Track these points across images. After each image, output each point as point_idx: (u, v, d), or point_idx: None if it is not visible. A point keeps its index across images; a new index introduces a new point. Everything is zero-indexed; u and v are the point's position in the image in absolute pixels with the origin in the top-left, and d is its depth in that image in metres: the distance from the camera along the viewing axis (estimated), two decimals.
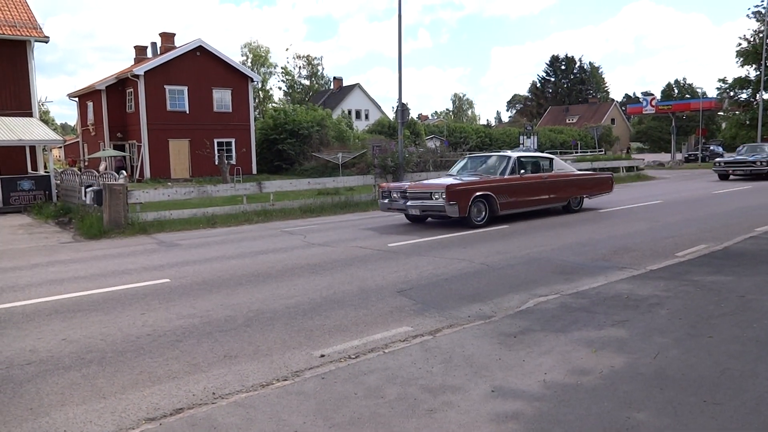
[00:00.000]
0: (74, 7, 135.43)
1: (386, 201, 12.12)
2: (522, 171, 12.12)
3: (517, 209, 12.04)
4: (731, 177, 23.08)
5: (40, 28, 21.02)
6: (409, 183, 12.79)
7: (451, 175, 12.93)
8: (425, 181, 12.74)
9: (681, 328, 4.72)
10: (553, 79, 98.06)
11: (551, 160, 13.35)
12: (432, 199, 11.04)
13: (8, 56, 20.33)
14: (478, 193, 11.19)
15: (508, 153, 13.23)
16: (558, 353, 4.25)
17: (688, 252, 8.05)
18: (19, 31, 20.39)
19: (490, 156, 13.29)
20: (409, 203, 11.46)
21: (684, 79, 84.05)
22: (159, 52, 35.39)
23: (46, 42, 21.24)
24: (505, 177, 11.93)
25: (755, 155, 22.86)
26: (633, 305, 5.42)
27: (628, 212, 13.25)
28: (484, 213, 11.36)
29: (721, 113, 53.12)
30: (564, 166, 13.63)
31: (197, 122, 32.59)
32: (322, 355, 4.52)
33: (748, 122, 40.45)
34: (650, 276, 6.59)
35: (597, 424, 3.16)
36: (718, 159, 25.12)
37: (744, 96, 41.93)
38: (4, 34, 20.01)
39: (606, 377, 3.78)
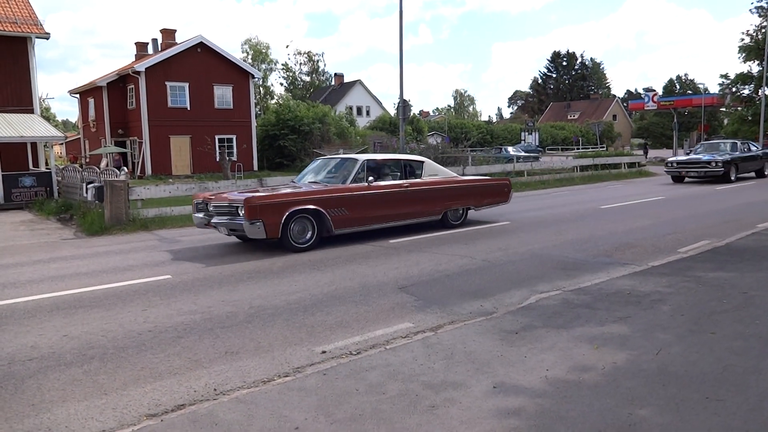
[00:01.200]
0: (75, 3, 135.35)
1: (201, 215, 9.39)
2: (372, 178, 9.63)
3: (363, 226, 9.62)
4: (686, 179, 20.33)
5: (41, 25, 21.00)
6: (220, 192, 10.34)
7: (292, 182, 10.80)
8: (232, 193, 9.59)
9: (683, 324, 4.71)
10: (554, 75, 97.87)
11: (421, 163, 10.82)
12: (238, 215, 8.60)
13: (9, 53, 20.31)
14: (298, 208, 8.72)
15: (356, 156, 10.62)
16: (560, 349, 4.25)
17: (690, 248, 8.03)
18: (19, 27, 20.36)
19: (337, 159, 10.83)
20: (214, 219, 9.00)
21: (686, 74, 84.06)
22: (160, 49, 35.36)
23: (47, 38, 21.22)
24: (346, 186, 9.44)
25: (711, 154, 20.20)
26: (635, 301, 5.40)
27: (630, 208, 13.22)
28: (310, 233, 8.94)
29: (723, 109, 52.97)
30: (439, 170, 11.19)
31: (198, 119, 32.58)
32: (324, 351, 4.52)
33: (750, 118, 40.35)
34: (652, 272, 6.58)
35: (599, 421, 3.15)
36: (670, 159, 21.71)
37: (746, 91, 41.82)
38: (4, 30, 19.99)
39: (608, 374, 3.77)
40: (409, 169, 10.57)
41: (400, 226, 10.22)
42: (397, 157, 11.23)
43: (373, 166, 10.14)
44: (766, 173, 21.70)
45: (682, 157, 21.77)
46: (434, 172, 10.88)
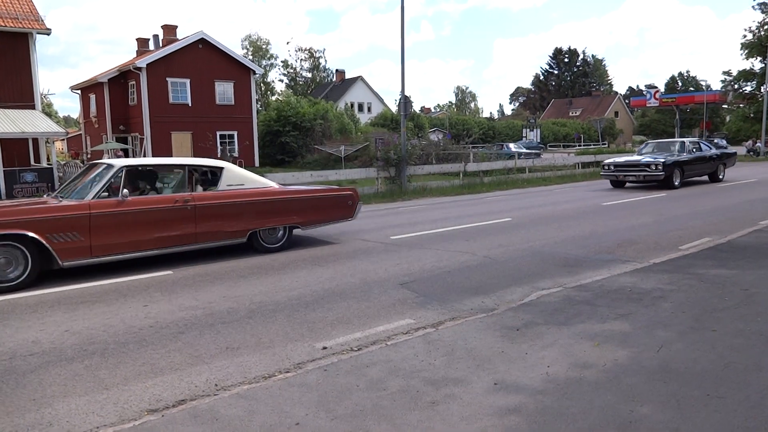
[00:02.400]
0: None
1: None
2: (127, 191, 7.35)
3: (113, 255, 7.29)
4: (627, 185, 17.87)
5: (42, 21, 20.99)
6: None
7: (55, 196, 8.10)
8: None
9: (684, 321, 4.70)
10: (556, 72, 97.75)
11: (219, 170, 8.41)
12: None
13: (10, 48, 20.31)
14: None
15: (112, 161, 7.98)
16: (561, 346, 4.24)
17: (692, 245, 8.02)
18: (20, 23, 20.35)
19: (102, 166, 7.94)
20: None
21: (688, 71, 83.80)
22: (161, 45, 35.36)
23: (48, 34, 21.22)
24: (84, 202, 7.10)
25: (654, 156, 17.48)
26: (636, 298, 5.40)
27: (632, 205, 13.20)
28: (22, 268, 6.64)
29: (726, 106, 52.90)
30: (247, 179, 8.62)
31: (199, 115, 32.58)
32: (325, 347, 4.52)
33: (752, 115, 40.29)
34: (654, 269, 6.57)
35: (600, 418, 3.15)
36: (608, 161, 18.56)
37: (749, 88, 41.74)
38: (5, 26, 19.98)
39: (609, 370, 3.77)
40: (200, 178, 8.50)
41: (194, 250, 8.07)
42: (178, 162, 8.66)
43: (136, 174, 8.19)
44: (720, 177, 18.99)
45: (620, 159, 18.60)
46: (238, 182, 8.44)
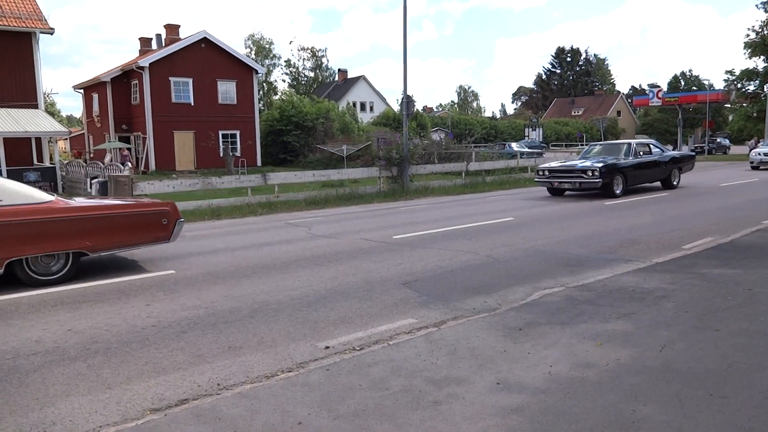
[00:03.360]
0: None
1: None
2: None
3: None
4: (567, 193, 15.86)
5: (46, 20, 21.03)
6: None
7: None
8: None
9: (687, 321, 4.69)
10: (558, 71, 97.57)
11: None
12: None
13: (14, 48, 20.36)
14: None
15: None
16: (563, 346, 4.24)
17: (694, 245, 8.00)
18: (24, 22, 20.39)
19: None
20: None
21: (690, 70, 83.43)
22: (164, 44, 35.35)
23: (51, 34, 21.27)
24: None
25: (594, 160, 15.42)
26: (639, 298, 5.39)
27: (634, 205, 13.18)
28: None
29: (729, 105, 52.76)
30: (6, 192, 6.59)
31: (202, 114, 32.60)
32: (327, 347, 4.52)
33: (755, 114, 40.19)
34: (656, 269, 6.56)
35: (602, 417, 3.14)
36: (542, 166, 16.60)
37: (752, 88, 41.61)
38: (9, 25, 20.02)
39: (611, 370, 3.77)
40: None
41: None
42: None
43: None
44: (675, 183, 16.83)
45: (555, 164, 16.38)
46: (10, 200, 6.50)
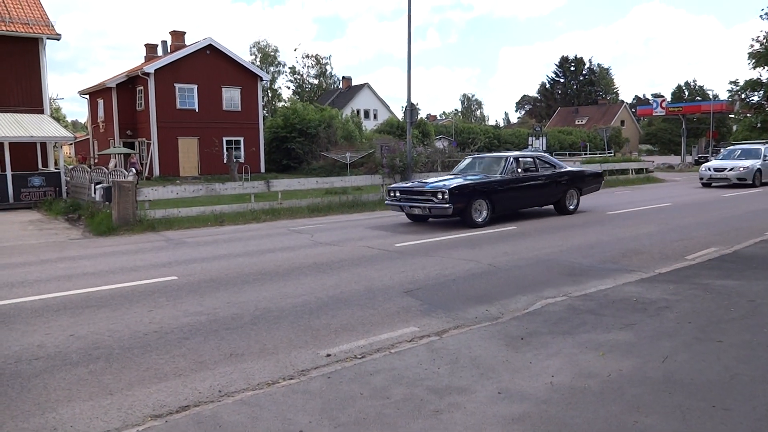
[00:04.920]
0: (86, 5, 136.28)
1: None
2: None
3: None
4: (430, 219, 12.40)
5: (53, 26, 21.16)
6: None
7: None
8: None
9: (690, 332, 4.68)
10: (562, 80, 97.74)
11: None
12: None
13: (21, 53, 20.48)
14: None
15: None
16: (565, 356, 4.23)
17: (697, 255, 7.98)
18: (31, 28, 20.53)
19: None
20: None
21: (694, 81, 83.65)
22: (169, 51, 35.54)
23: (58, 40, 21.38)
24: None
25: (453, 178, 12.23)
26: (641, 308, 5.37)
27: (638, 214, 13.16)
28: None
29: (733, 116, 52.71)
30: None
31: (206, 120, 32.70)
32: (329, 355, 4.52)
33: (759, 125, 40.12)
34: (659, 279, 6.54)
35: (604, 428, 3.13)
36: (393, 186, 13.18)
37: (756, 98, 41.56)
38: (16, 31, 20.16)
39: (614, 380, 3.75)
40: None
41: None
42: None
43: None
44: (571, 207, 13.46)
45: (405, 184, 12.99)
46: None
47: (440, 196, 11.15)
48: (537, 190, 12.90)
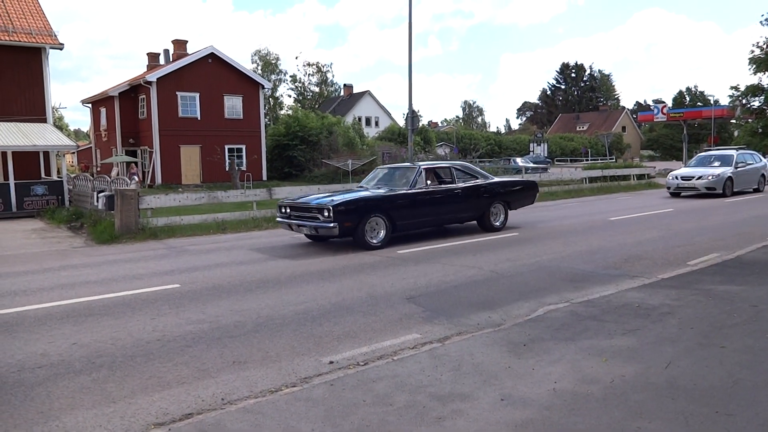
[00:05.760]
0: (89, 15, 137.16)
1: None
2: None
3: None
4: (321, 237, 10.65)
5: (56, 36, 21.28)
6: None
7: None
8: None
9: (692, 337, 4.67)
10: (563, 87, 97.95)
11: None
12: None
13: (24, 63, 20.60)
14: None
15: None
16: (568, 362, 4.22)
17: (699, 261, 7.98)
18: (34, 38, 20.66)
19: None
20: None
21: (695, 86, 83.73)
22: (171, 59, 35.73)
23: (61, 49, 21.50)
24: None
25: (348, 192, 10.93)
26: (644, 314, 5.37)
27: (639, 220, 13.15)
28: None
29: (734, 121, 52.73)
30: None
31: (208, 128, 32.81)
32: (331, 362, 4.52)
33: (761, 130, 40.10)
34: (661, 285, 6.54)
35: None
36: (282, 201, 11.35)
37: (757, 103, 41.58)
38: (20, 41, 20.29)
39: (616, 386, 3.75)
40: None
41: None
42: None
43: None
44: (497, 223, 11.77)
45: (296, 199, 11.16)
46: None
47: (326, 214, 9.64)
48: (452, 205, 11.24)
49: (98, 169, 36.54)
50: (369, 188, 11.29)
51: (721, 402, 3.46)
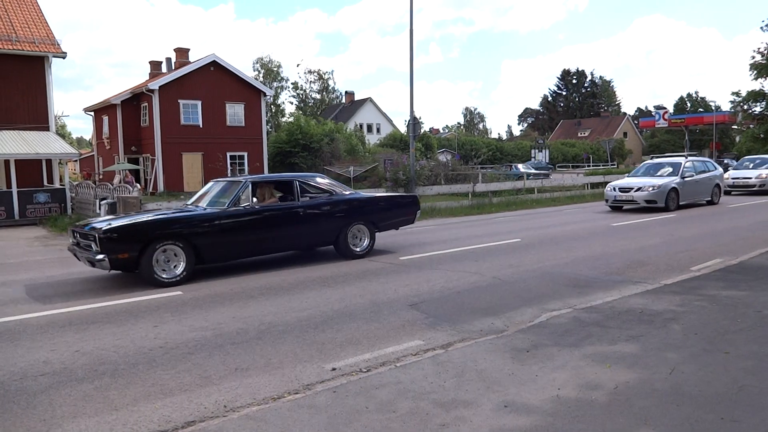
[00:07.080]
0: (92, 24, 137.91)
1: None
2: None
3: None
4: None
5: (58, 45, 21.40)
6: None
7: None
8: None
9: (697, 343, 4.65)
10: (564, 93, 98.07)
11: None
12: None
13: (27, 72, 20.71)
14: None
15: None
16: (571, 368, 4.21)
17: (703, 266, 7.95)
18: (37, 47, 20.78)
19: None
20: None
21: (696, 92, 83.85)
22: (173, 67, 35.84)
23: (64, 58, 21.62)
24: None
25: (124, 218, 8.62)
26: (647, 320, 5.35)
27: (642, 226, 13.13)
28: None
29: (735, 127, 52.75)
30: None
31: (210, 136, 32.90)
32: (334, 369, 4.51)
33: (762, 135, 40.09)
34: (665, 290, 6.52)
35: None
36: (77, 224, 9.24)
37: (758, 109, 41.60)
38: (23, 50, 20.40)
39: (620, 393, 3.73)
40: None
41: None
42: None
43: None
44: (358, 249, 9.75)
45: (91, 222, 8.84)
46: None
47: (97, 243, 7.58)
48: (291, 227, 9.07)
49: (100, 176, 36.63)
50: (197, 207, 9.03)
51: (726, 408, 3.44)
